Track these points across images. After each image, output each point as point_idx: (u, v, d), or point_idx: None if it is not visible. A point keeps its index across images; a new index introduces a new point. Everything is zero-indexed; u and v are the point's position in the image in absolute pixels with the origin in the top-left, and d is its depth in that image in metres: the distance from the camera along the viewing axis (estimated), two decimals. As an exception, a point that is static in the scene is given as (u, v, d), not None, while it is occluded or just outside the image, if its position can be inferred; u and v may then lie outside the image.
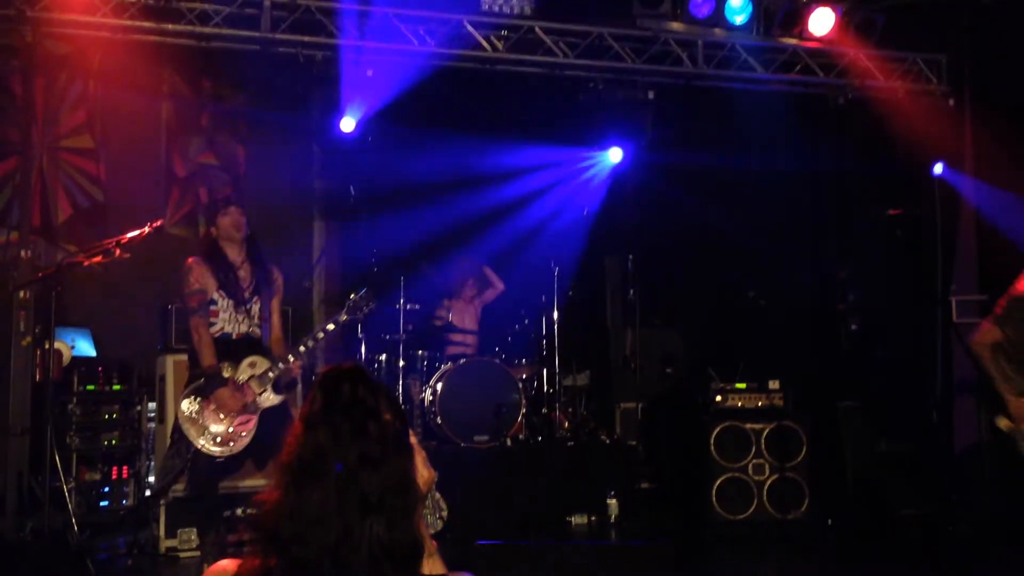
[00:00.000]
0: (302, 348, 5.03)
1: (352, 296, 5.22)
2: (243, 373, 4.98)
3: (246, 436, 4.92)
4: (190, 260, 5.19)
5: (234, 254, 5.21)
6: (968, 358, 5.50)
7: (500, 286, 8.36)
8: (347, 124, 7.64)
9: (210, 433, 4.89)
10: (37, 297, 5.96)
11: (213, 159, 8.64)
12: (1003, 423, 5.23)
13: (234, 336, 5.10)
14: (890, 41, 7.77)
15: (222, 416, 4.89)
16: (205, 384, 4.95)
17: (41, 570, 5.37)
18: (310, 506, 1.79)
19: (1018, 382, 5.21)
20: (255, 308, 5.16)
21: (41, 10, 6.37)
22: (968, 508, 6.82)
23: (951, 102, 7.92)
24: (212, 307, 5.09)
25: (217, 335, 5.07)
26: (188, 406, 4.94)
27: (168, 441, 5.44)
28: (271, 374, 4.99)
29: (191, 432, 4.91)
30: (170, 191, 8.30)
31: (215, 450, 4.89)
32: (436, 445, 6.88)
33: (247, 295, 5.15)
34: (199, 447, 4.90)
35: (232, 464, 5.05)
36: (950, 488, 7.09)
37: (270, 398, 4.99)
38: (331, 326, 5.15)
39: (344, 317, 5.18)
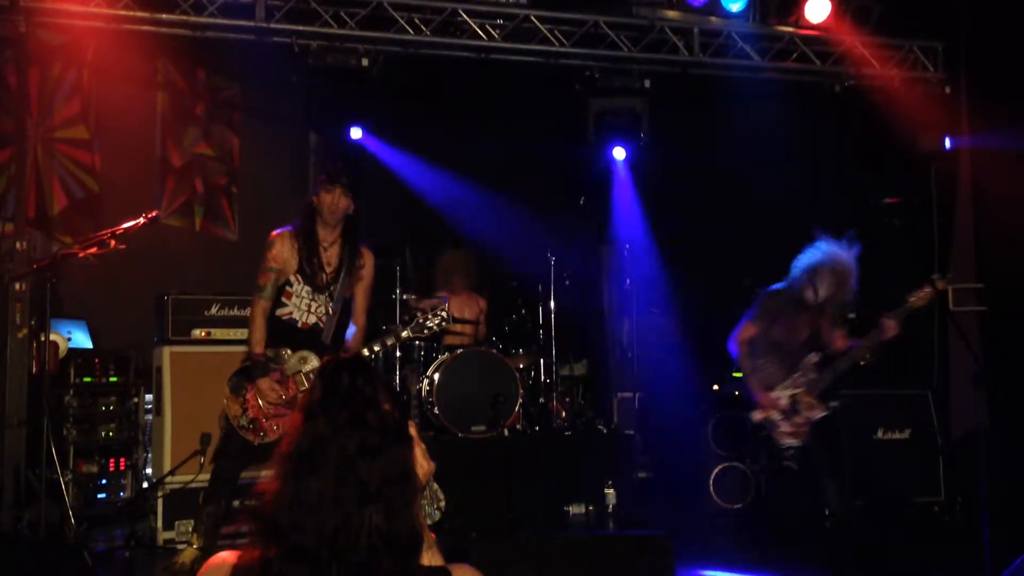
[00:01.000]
0: None
1: (427, 313, 4.94)
2: (293, 367, 4.84)
3: (279, 429, 4.75)
4: (274, 234, 4.97)
5: (326, 231, 4.96)
6: (965, 346, 5.51)
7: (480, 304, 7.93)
8: (355, 133, 7.66)
9: (247, 416, 4.79)
10: (33, 289, 5.92)
11: (208, 149, 8.62)
12: (756, 415, 5.52)
13: (300, 324, 4.89)
14: (887, 29, 7.75)
15: (260, 403, 4.79)
16: (251, 368, 4.82)
17: (38, 563, 5.35)
18: (308, 495, 1.78)
19: (769, 373, 5.52)
20: (329, 298, 4.92)
21: None
22: (966, 496, 6.83)
23: (947, 90, 7.91)
24: (287, 288, 4.89)
25: (285, 318, 4.89)
26: (234, 383, 4.82)
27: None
28: None
29: (230, 409, 4.83)
30: (165, 181, 8.27)
31: (249, 434, 4.79)
32: (433, 435, 6.88)
33: (326, 280, 4.91)
34: (235, 425, 4.81)
35: (263, 453, 4.81)
36: (948, 476, 7.10)
37: None
38: (391, 340, 4.91)
39: (407, 334, 4.93)
